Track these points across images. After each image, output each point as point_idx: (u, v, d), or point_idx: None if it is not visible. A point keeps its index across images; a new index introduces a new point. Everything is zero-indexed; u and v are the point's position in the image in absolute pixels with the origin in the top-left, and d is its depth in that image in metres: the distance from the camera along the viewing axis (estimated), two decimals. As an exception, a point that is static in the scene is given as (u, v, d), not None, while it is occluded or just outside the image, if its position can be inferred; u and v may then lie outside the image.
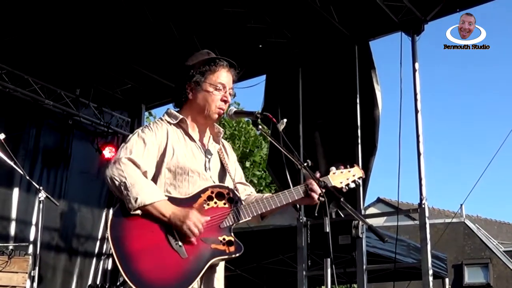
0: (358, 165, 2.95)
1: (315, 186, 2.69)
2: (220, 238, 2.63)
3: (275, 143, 2.74)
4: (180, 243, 2.57)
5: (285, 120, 2.79)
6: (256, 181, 17.73)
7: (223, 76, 2.85)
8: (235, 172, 2.98)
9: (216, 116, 2.84)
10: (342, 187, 2.84)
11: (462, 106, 44.56)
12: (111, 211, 2.62)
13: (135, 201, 2.54)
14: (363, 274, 6.73)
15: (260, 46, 7.72)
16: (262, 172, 18.60)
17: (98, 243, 8.63)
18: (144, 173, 2.65)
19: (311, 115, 7.52)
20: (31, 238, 7.55)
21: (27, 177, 5.90)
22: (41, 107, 8.13)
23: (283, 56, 7.84)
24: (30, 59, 7.85)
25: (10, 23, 7.15)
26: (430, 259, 6.43)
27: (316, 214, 2.63)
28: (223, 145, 2.97)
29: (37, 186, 5.66)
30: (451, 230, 19.09)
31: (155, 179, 2.71)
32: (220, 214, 2.68)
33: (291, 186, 2.82)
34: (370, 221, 2.95)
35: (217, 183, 2.79)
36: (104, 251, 8.62)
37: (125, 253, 2.54)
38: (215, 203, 2.69)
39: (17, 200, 7.66)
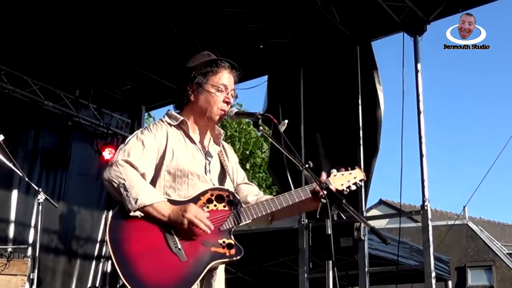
0: (359, 167, 2.95)
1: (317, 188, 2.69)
2: (220, 241, 2.63)
3: (276, 144, 2.73)
4: (179, 246, 2.56)
5: (286, 121, 2.78)
6: (256, 183, 17.73)
7: (225, 77, 2.86)
8: (237, 173, 2.98)
9: (218, 117, 2.84)
10: (343, 190, 2.83)
11: (465, 107, 44.57)
12: (110, 213, 2.62)
13: (135, 202, 2.54)
14: (365, 276, 6.73)
15: (261, 46, 7.72)
16: (263, 173, 18.61)
17: (97, 246, 8.63)
18: (142, 175, 2.64)
19: (312, 116, 7.51)
20: (30, 240, 7.55)
21: (26, 179, 5.90)
22: (40, 108, 8.13)
23: (284, 56, 7.84)
24: (29, 60, 7.85)
25: (9, 23, 7.15)
26: (433, 262, 6.42)
27: (317, 216, 2.62)
28: (223, 147, 2.97)
29: (36, 188, 5.66)
30: (454, 232, 19.08)
31: (154, 181, 2.70)
32: (220, 216, 2.67)
33: (292, 188, 2.80)
34: (372, 223, 2.94)
35: (217, 185, 2.78)
36: (103, 254, 8.61)
37: (124, 256, 2.53)
38: (215, 205, 2.69)
39: (16, 202, 7.65)
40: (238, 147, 18.49)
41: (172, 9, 7.21)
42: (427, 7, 6.83)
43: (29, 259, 5.81)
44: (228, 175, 2.88)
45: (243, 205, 2.75)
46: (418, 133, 6.64)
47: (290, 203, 2.75)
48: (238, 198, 2.78)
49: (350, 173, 2.87)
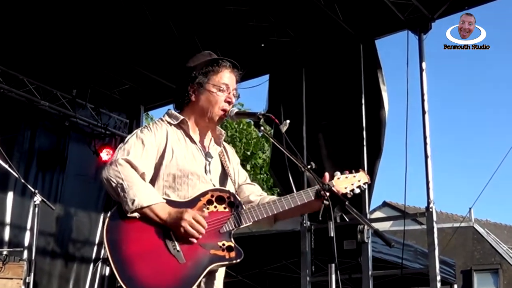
0: (363, 169, 2.94)
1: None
2: (220, 244, 2.62)
3: (277, 145, 2.73)
4: (178, 248, 2.56)
5: (288, 121, 2.78)
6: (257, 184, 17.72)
7: (226, 76, 2.86)
8: (238, 174, 2.98)
9: (218, 118, 2.84)
10: (347, 193, 2.82)
11: (470, 108, 44.53)
12: (107, 215, 2.62)
13: (132, 203, 2.54)
14: (369, 280, 6.72)
15: (263, 45, 7.72)
16: (264, 175, 18.61)
17: (95, 248, 8.62)
18: (142, 175, 2.64)
19: (315, 116, 7.51)
20: (26, 243, 7.53)
21: (22, 180, 5.90)
22: (36, 108, 8.12)
23: (286, 55, 7.84)
24: (25, 59, 7.85)
25: (3, 21, 7.15)
26: (438, 265, 6.42)
27: (320, 218, 2.62)
28: (224, 148, 2.97)
29: (32, 190, 5.66)
30: (460, 235, 19.04)
31: (153, 181, 2.70)
32: (220, 218, 2.67)
33: (294, 190, 2.80)
34: (376, 225, 2.95)
35: (217, 186, 2.78)
36: (101, 257, 8.60)
37: (122, 258, 2.53)
38: (215, 207, 2.68)
39: (11, 204, 7.65)
40: (239, 147, 18.50)
41: (171, 6, 7.21)
42: (432, 5, 6.83)
43: (25, 262, 5.80)
44: (229, 176, 2.88)
45: (244, 207, 2.74)
46: (423, 134, 6.64)
47: (293, 206, 2.74)
48: (239, 199, 2.78)
49: (354, 176, 2.86)
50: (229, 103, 2.84)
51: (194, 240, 2.57)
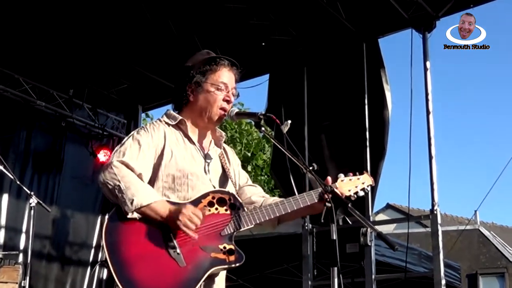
0: (367, 171, 2.94)
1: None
2: (221, 247, 2.62)
3: (279, 146, 2.73)
4: (178, 251, 2.56)
5: (289, 121, 2.78)
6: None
7: (225, 75, 2.86)
8: (239, 176, 2.98)
9: (217, 117, 2.83)
10: (350, 195, 2.82)
11: (475, 109, 44.52)
12: (106, 217, 2.62)
13: (131, 203, 2.53)
14: (372, 284, 6.72)
15: (263, 44, 7.72)
16: (265, 176, 18.61)
17: (92, 251, 8.62)
18: (139, 176, 2.64)
19: (316, 117, 7.51)
20: (22, 246, 7.54)
21: (17, 182, 5.92)
22: (32, 108, 8.13)
23: (287, 54, 7.85)
24: (20, 57, 7.86)
25: (-1, 20, 7.17)
26: (443, 268, 6.41)
27: (322, 221, 2.62)
28: (224, 150, 2.97)
29: (28, 192, 5.67)
30: (465, 238, 19.02)
31: (152, 182, 2.70)
32: (221, 220, 2.67)
33: (296, 191, 2.80)
34: (379, 228, 2.94)
35: (217, 187, 2.78)
36: (99, 260, 8.60)
37: (120, 260, 2.53)
38: (216, 209, 2.68)
39: (6, 206, 7.66)
40: (239, 148, 18.51)
41: (170, 5, 7.22)
42: (436, 3, 6.83)
43: (21, 266, 5.82)
44: (230, 178, 2.88)
45: (246, 209, 2.74)
46: (427, 134, 6.64)
47: (296, 208, 2.74)
48: (241, 201, 2.78)
49: (358, 178, 2.86)
50: (228, 102, 2.84)
51: (192, 233, 2.55)
